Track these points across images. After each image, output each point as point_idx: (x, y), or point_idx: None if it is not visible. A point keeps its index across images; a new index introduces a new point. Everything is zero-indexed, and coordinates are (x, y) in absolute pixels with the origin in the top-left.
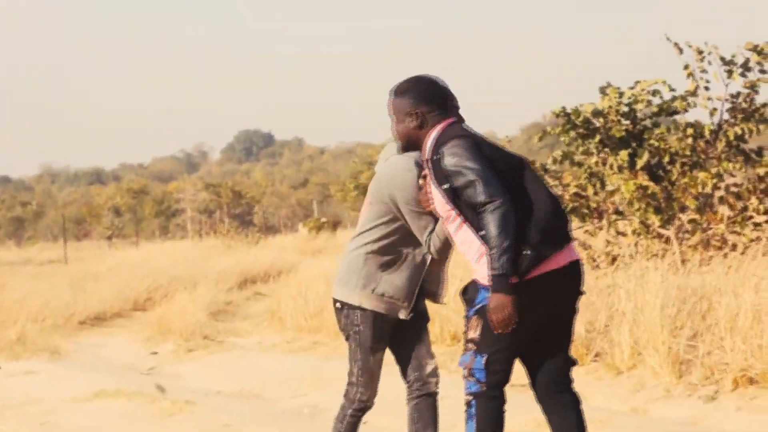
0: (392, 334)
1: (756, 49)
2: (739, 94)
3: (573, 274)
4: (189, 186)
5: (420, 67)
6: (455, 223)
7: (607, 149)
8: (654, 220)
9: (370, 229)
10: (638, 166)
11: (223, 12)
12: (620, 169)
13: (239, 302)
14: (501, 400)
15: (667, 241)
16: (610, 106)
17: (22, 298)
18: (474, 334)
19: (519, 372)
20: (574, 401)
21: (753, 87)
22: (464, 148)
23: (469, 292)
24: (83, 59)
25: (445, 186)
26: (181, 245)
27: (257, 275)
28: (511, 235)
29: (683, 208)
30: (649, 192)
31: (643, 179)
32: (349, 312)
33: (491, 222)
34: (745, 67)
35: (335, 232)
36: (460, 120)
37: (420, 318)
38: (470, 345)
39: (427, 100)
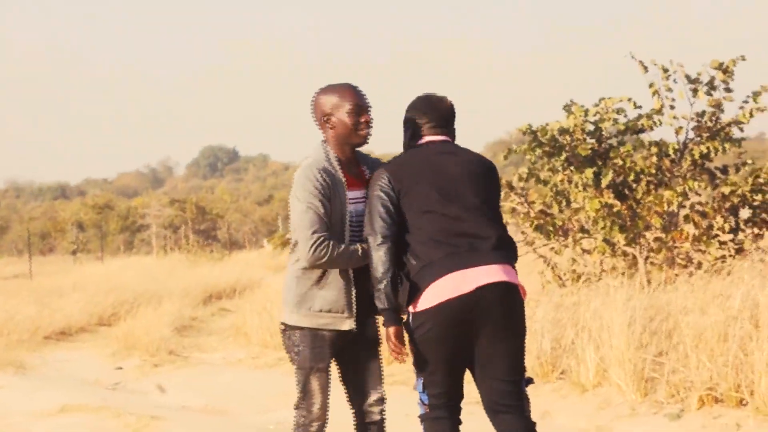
0: (341, 356)
1: (721, 68)
2: (704, 112)
3: (489, 297)
4: (154, 201)
5: (381, 84)
6: None
7: (572, 167)
8: (619, 238)
9: (294, 246)
10: (603, 185)
11: (188, 27)
12: (585, 187)
13: (204, 318)
14: (449, 420)
15: (633, 259)
16: (576, 125)
17: None
18: (412, 359)
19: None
20: (518, 421)
21: (718, 106)
22: (375, 180)
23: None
24: (46, 73)
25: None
26: (146, 261)
27: (222, 291)
28: (381, 273)
29: (648, 227)
30: (615, 210)
31: (608, 197)
32: (290, 333)
33: (373, 256)
34: (711, 85)
35: None
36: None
37: (369, 344)
38: (414, 369)
39: (412, 112)
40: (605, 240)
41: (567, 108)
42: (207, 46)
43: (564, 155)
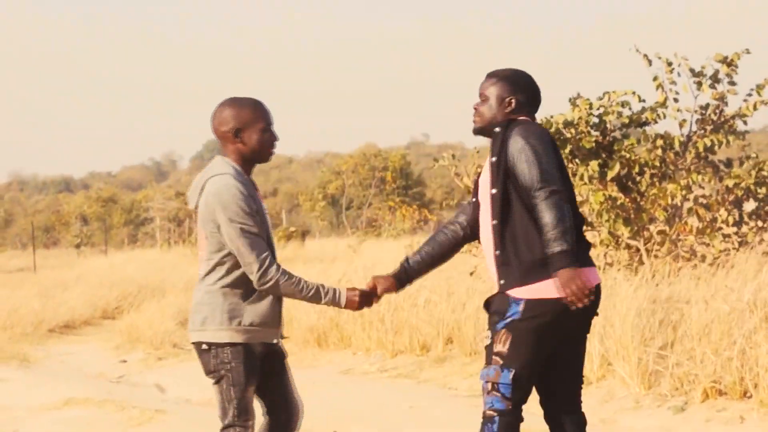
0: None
1: (725, 61)
2: (708, 105)
3: (596, 295)
4: (158, 194)
5: (386, 76)
6: (490, 215)
7: (576, 160)
8: (623, 231)
9: (218, 264)
10: (609, 177)
11: (192, 20)
12: (590, 179)
13: None
14: (520, 420)
15: (637, 252)
16: (581, 117)
17: None
18: (502, 347)
19: None
20: (582, 423)
21: (722, 99)
22: (538, 132)
23: (496, 304)
24: (51, 67)
25: (500, 155)
26: (150, 254)
27: None
28: (569, 219)
29: (652, 220)
30: (618, 203)
31: (613, 190)
32: (218, 351)
33: (549, 205)
34: (715, 78)
35: (304, 241)
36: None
37: (282, 354)
38: (497, 358)
39: (525, 93)
40: (609, 233)
41: (572, 101)
42: (210, 39)
43: (568, 148)
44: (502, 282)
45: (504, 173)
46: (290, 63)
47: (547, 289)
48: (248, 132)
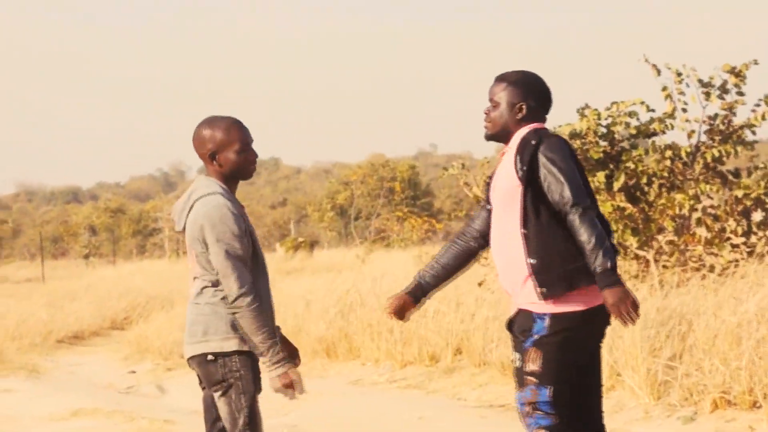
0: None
1: (733, 71)
2: (716, 115)
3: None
4: (166, 205)
5: (394, 86)
6: (513, 230)
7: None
8: (631, 241)
9: (214, 281)
10: (615, 188)
11: (198, 30)
12: (597, 190)
13: None
14: None
15: (645, 262)
16: (588, 128)
17: (0, 317)
18: (534, 366)
19: (498, 393)
20: None
21: (731, 109)
22: (561, 145)
23: (520, 322)
24: (58, 76)
25: (525, 167)
26: (159, 264)
27: None
28: (606, 237)
29: (661, 230)
30: (627, 213)
31: (621, 200)
32: (225, 360)
33: (585, 223)
34: (723, 89)
35: (312, 252)
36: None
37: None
38: (531, 378)
39: (536, 96)
40: (618, 243)
41: (580, 111)
42: (217, 48)
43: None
44: (543, 290)
45: (533, 185)
46: (298, 73)
47: (571, 301)
48: (224, 153)
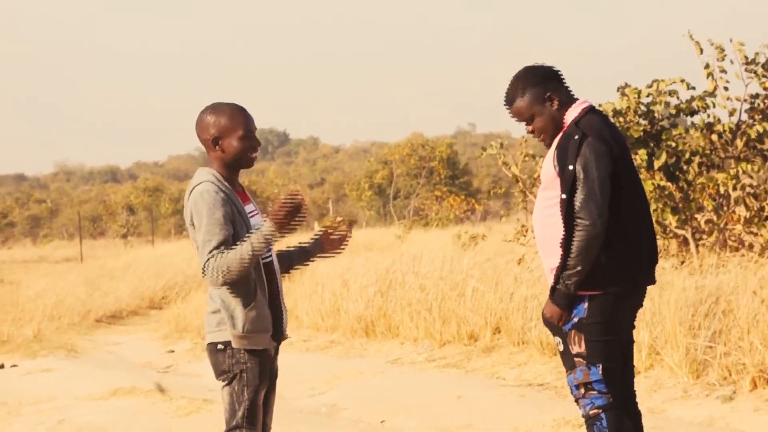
0: None
1: None
2: (758, 95)
3: (643, 291)
4: None
5: (432, 66)
6: (551, 205)
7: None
8: (671, 220)
9: None
10: (656, 166)
11: (239, 8)
12: (637, 169)
13: None
14: (623, 413)
15: (685, 241)
16: (629, 107)
17: (38, 296)
18: (579, 348)
19: (537, 372)
20: (636, 413)
21: None
22: (596, 150)
23: None
24: (99, 57)
25: (570, 167)
26: None
27: None
28: (590, 262)
29: (700, 209)
30: (667, 192)
31: (661, 179)
32: (234, 351)
33: (577, 239)
34: (766, 67)
35: (351, 231)
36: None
37: (273, 379)
38: (579, 360)
39: (549, 80)
40: (657, 222)
41: (621, 90)
42: (257, 29)
43: None
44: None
45: (573, 181)
46: (337, 54)
47: (606, 283)
48: (227, 140)
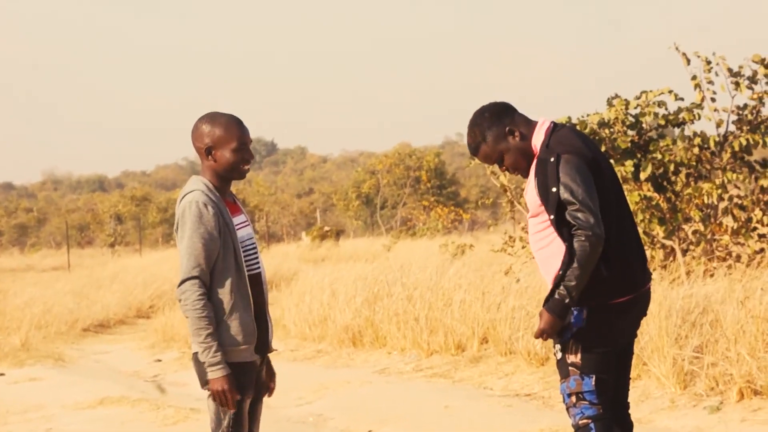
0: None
1: (764, 63)
2: (746, 105)
3: (646, 299)
4: None
5: (420, 75)
6: (542, 228)
7: (611, 160)
8: (658, 231)
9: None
10: (642, 178)
11: (224, 18)
12: (624, 180)
13: None
14: (613, 423)
15: (672, 252)
16: (617, 117)
17: (26, 305)
18: (575, 358)
19: (524, 382)
20: (629, 424)
21: (760, 99)
22: (577, 166)
23: None
24: (85, 65)
25: (553, 189)
26: None
27: None
28: (590, 271)
29: (687, 219)
30: (653, 203)
31: (648, 190)
32: None
33: (579, 250)
34: (752, 79)
35: (338, 240)
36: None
37: (260, 389)
38: (573, 369)
39: (501, 116)
40: (644, 233)
41: (609, 101)
42: (244, 36)
43: (603, 148)
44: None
45: (558, 202)
46: (325, 64)
47: (607, 293)
48: (220, 151)
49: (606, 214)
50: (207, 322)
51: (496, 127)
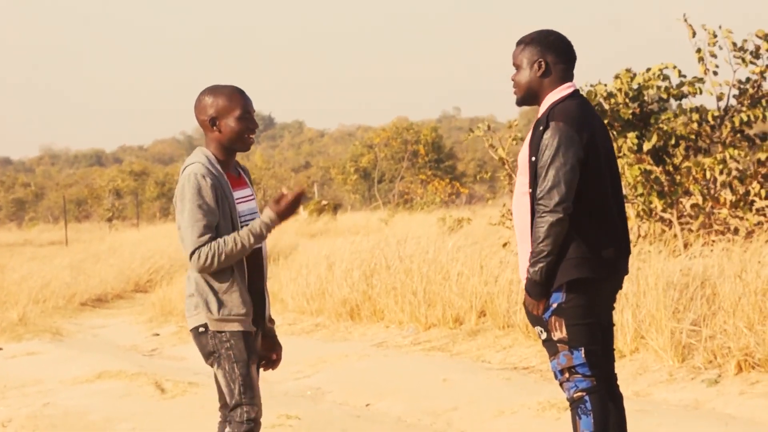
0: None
1: (767, 38)
2: (748, 80)
3: (622, 273)
4: None
5: (417, 49)
6: (525, 199)
7: (614, 132)
8: (657, 203)
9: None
10: (645, 149)
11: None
12: (629, 151)
13: None
14: (606, 395)
15: (670, 225)
16: (620, 89)
17: (23, 280)
18: (561, 333)
19: (522, 355)
20: (618, 395)
21: (762, 74)
22: (565, 136)
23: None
24: (83, 39)
25: (532, 159)
26: None
27: None
28: (555, 249)
29: (687, 193)
30: (653, 176)
31: (649, 163)
32: (215, 332)
33: (543, 225)
34: (755, 54)
35: (336, 214)
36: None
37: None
38: (561, 345)
39: (554, 51)
40: (643, 207)
41: (617, 76)
42: (241, 10)
43: (606, 120)
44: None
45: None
46: (322, 38)
47: (579, 268)
48: (224, 120)
49: (591, 192)
50: (235, 235)
51: (540, 50)
